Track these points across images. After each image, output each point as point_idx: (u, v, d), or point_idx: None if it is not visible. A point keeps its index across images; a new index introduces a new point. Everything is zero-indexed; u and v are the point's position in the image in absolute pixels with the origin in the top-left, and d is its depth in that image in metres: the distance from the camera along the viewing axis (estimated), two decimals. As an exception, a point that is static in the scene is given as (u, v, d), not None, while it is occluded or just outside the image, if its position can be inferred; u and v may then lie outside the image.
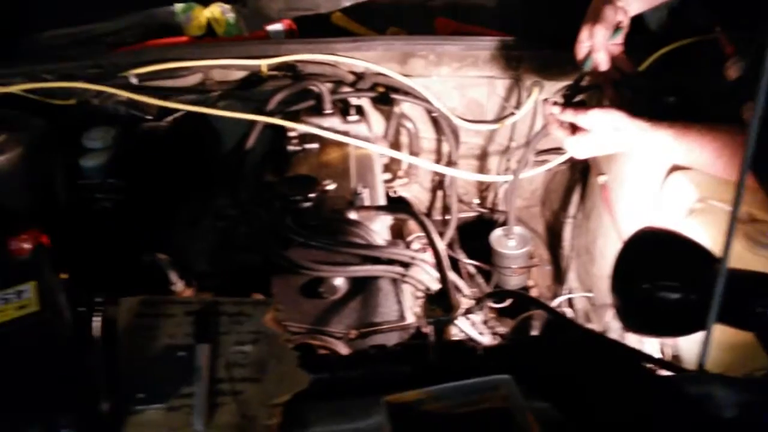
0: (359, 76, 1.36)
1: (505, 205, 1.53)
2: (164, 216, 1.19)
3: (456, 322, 0.91)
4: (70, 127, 1.22)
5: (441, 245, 0.91)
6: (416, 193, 1.63)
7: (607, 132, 1.03)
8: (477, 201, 1.65)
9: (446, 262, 0.87)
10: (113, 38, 1.34)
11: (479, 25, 1.41)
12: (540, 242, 1.61)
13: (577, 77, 1.23)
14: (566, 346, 0.73)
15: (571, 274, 1.43)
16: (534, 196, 1.67)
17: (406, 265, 0.95)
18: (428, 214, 1.65)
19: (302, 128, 1.19)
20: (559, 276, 1.50)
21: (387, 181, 1.50)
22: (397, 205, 1.05)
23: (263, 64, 1.30)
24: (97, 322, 0.69)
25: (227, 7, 1.35)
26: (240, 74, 1.34)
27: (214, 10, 1.35)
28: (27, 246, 0.83)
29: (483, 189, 1.64)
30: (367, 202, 1.04)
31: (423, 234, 1.40)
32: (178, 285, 0.95)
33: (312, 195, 1.00)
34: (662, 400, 0.69)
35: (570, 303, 1.37)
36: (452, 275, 0.98)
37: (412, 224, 1.45)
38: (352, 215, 0.99)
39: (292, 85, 1.28)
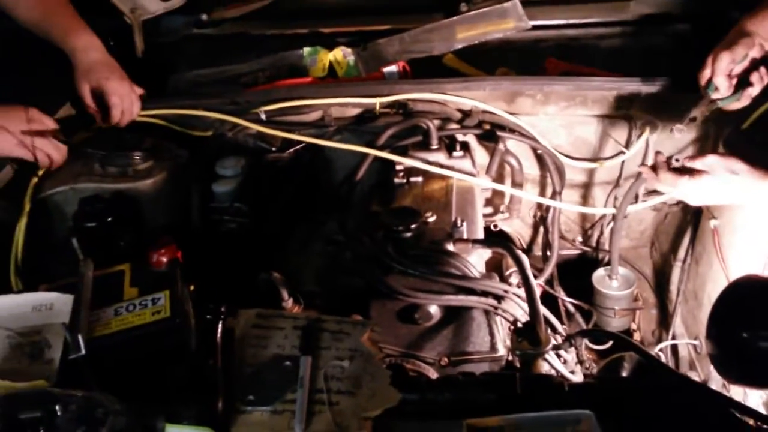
0: (466, 114, 1.42)
1: (609, 243, 1.50)
2: (281, 239, 1.31)
3: (546, 357, 0.92)
4: (206, 156, 1.38)
5: (533, 280, 0.93)
6: (517, 228, 1.64)
7: (723, 178, 1.02)
8: (580, 239, 1.63)
9: (537, 297, 0.90)
10: (248, 78, 1.50)
11: (591, 67, 1.42)
12: (647, 285, 1.56)
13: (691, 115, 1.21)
14: (656, 389, 0.73)
15: (677, 320, 1.38)
16: (643, 237, 1.63)
17: (499, 298, 0.98)
18: (529, 250, 1.66)
19: (407, 162, 1.27)
20: (664, 321, 1.44)
21: (488, 215, 1.53)
22: (493, 239, 1.08)
23: (377, 102, 1.40)
24: (219, 329, 0.79)
25: (348, 50, 1.47)
26: (356, 111, 1.44)
27: (336, 54, 1.47)
28: (164, 259, 0.96)
29: (587, 227, 1.62)
30: (465, 235, 1.09)
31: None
32: (288, 302, 1.04)
33: (413, 226, 1.07)
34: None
35: (674, 350, 1.32)
36: (544, 311, 1.00)
37: (509, 260, 1.47)
38: (450, 247, 1.04)
39: (402, 121, 1.37)
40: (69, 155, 1.24)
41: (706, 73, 1.15)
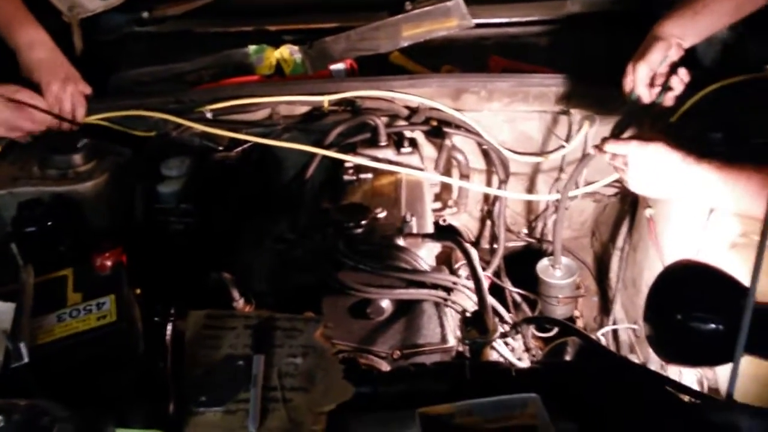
0: (414, 111, 1.44)
1: (552, 234, 1.56)
2: (230, 238, 1.30)
3: (495, 345, 0.95)
4: (150, 156, 1.36)
5: (481, 272, 0.96)
6: (465, 222, 1.68)
7: (648, 164, 1.06)
8: (525, 231, 1.68)
9: (485, 288, 0.92)
10: (192, 77, 1.47)
11: (531, 63, 1.47)
12: (588, 273, 1.62)
13: (625, 110, 1.27)
14: (596, 371, 0.77)
15: (617, 306, 1.44)
16: (584, 227, 1.69)
17: (448, 290, 1.00)
18: (477, 243, 1.69)
19: (355, 160, 1.28)
20: (605, 307, 1.51)
21: (437, 210, 1.56)
22: (442, 233, 1.11)
23: (325, 99, 1.40)
24: (168, 331, 0.78)
25: (295, 48, 1.47)
26: (304, 109, 1.44)
27: (283, 52, 1.46)
28: (109, 263, 0.94)
29: (532, 219, 1.67)
30: (414, 230, 1.11)
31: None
32: (239, 302, 1.04)
33: (363, 222, 1.08)
34: (687, 428, 0.72)
35: (615, 334, 1.38)
36: (492, 301, 1.03)
37: (458, 252, 1.50)
38: (400, 242, 1.06)
39: (350, 119, 1.37)
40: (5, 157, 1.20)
41: (628, 83, 1.20)
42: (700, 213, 1.13)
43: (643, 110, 1.23)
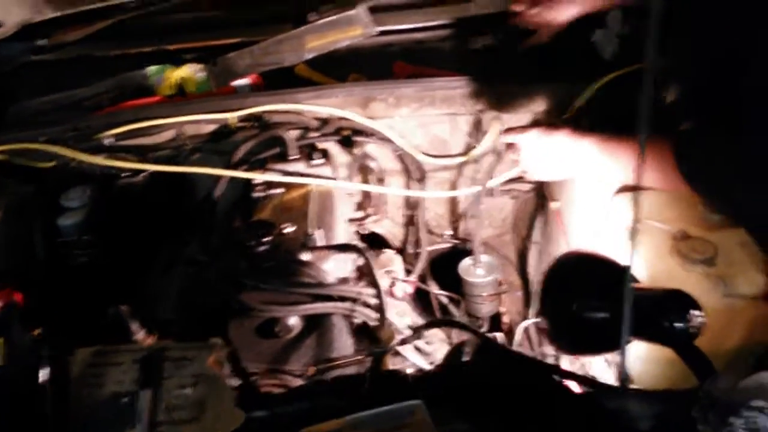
0: (324, 122, 1.43)
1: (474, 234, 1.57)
2: (138, 266, 1.25)
3: (405, 351, 0.95)
4: (48, 189, 1.30)
5: (378, 278, 0.95)
6: (390, 229, 1.68)
7: (534, 149, 1.09)
8: (449, 232, 1.69)
9: (383, 295, 0.92)
10: (91, 102, 1.43)
11: (437, 67, 1.48)
12: (512, 269, 1.64)
13: None
14: (490, 369, 0.77)
15: (536, 299, 1.46)
16: (505, 224, 1.71)
17: (354, 300, 0.99)
18: (403, 249, 1.69)
19: (258, 177, 1.26)
20: (528, 301, 1.52)
21: (359, 219, 1.56)
22: (344, 243, 1.10)
23: (231, 117, 1.38)
24: (45, 373, 0.74)
25: (198, 66, 1.44)
26: (211, 128, 1.41)
27: (185, 71, 1.43)
28: (-1, 304, 0.90)
29: (454, 220, 1.68)
30: (321, 243, 1.09)
31: (392, 268, 1.47)
32: (139, 334, 1.00)
33: (267, 239, 1.06)
34: (579, 417, 0.72)
35: (537, 327, 1.40)
36: (401, 306, 1.02)
37: (382, 260, 1.50)
38: (305, 256, 1.04)
39: (257, 134, 1.35)
40: None
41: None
42: (601, 201, 1.15)
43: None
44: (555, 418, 0.73)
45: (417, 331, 0.95)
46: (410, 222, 1.66)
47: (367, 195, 1.58)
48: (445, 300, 1.56)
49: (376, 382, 0.78)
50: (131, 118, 1.35)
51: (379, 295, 0.92)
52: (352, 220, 1.53)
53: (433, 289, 1.54)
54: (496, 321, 1.53)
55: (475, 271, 1.49)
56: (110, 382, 0.78)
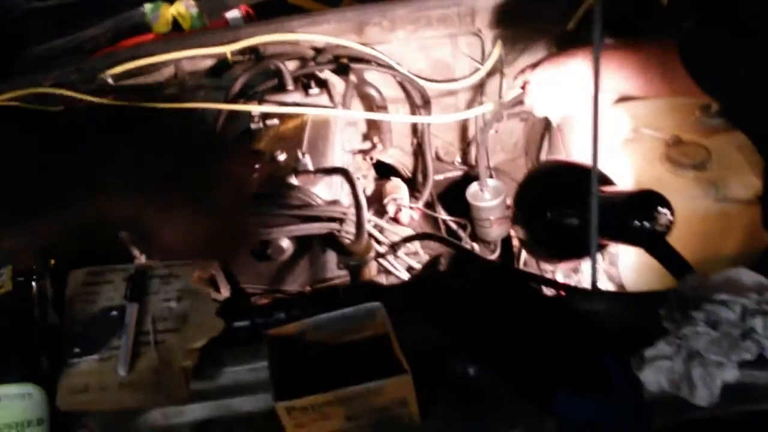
0: (320, 51, 1.41)
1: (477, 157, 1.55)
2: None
3: (390, 265, 0.97)
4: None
5: (362, 196, 0.96)
6: (399, 158, 1.67)
7: (545, 87, 1.06)
8: (459, 160, 1.67)
9: (364, 213, 0.93)
10: (92, 44, 1.45)
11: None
12: (524, 193, 1.62)
13: None
14: (464, 278, 0.78)
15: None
16: (517, 148, 1.68)
17: (340, 220, 1.01)
18: (414, 177, 1.69)
19: (255, 108, 1.27)
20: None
21: (367, 150, 1.56)
22: (332, 167, 1.10)
23: (227, 50, 1.38)
24: (34, 287, 0.79)
25: (190, 2, 1.44)
26: (209, 63, 1.42)
27: (178, 7, 1.44)
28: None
29: (464, 146, 1.66)
30: (309, 167, 1.10)
31: (398, 195, 1.48)
32: (141, 258, 1.05)
33: (256, 166, 1.08)
34: (551, 319, 0.73)
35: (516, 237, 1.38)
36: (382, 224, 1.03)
37: (388, 187, 1.50)
38: (293, 180, 1.06)
39: (252, 67, 1.36)
40: None
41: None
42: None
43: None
44: (524, 321, 0.73)
45: (395, 245, 0.96)
46: (419, 150, 1.65)
47: (372, 125, 1.57)
48: (453, 225, 1.56)
49: (349, 293, 0.80)
50: (130, 56, 1.36)
51: (358, 212, 0.93)
52: (358, 151, 1.54)
53: (441, 214, 1.55)
54: (507, 244, 1.53)
55: (482, 195, 1.48)
56: (102, 298, 0.83)
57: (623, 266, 0.99)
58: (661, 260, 0.73)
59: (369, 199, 1.53)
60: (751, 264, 0.89)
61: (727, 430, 0.66)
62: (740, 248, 0.93)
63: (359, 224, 0.91)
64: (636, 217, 0.72)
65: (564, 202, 0.80)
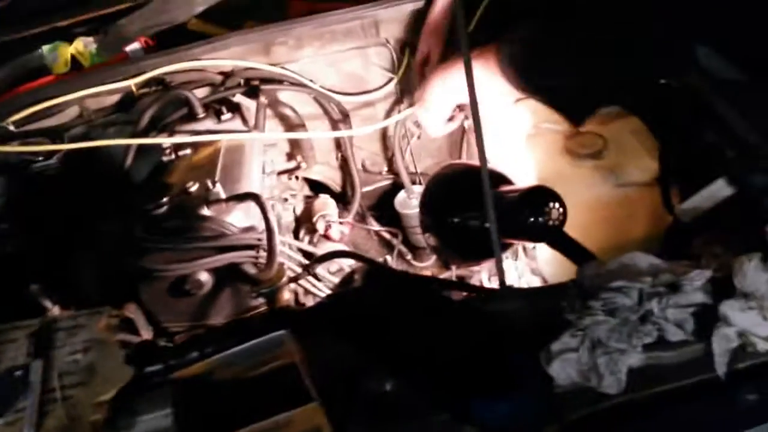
0: (229, 75, 1.40)
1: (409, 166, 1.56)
2: (60, 248, 1.25)
3: (311, 285, 0.96)
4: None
5: (272, 218, 0.95)
6: (328, 175, 1.67)
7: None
8: (386, 169, 1.68)
9: (274, 236, 0.92)
10: (-13, 92, 1.39)
11: (332, 1, 1.44)
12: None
13: None
14: (374, 291, 0.78)
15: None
16: (441, 152, 1.69)
17: (256, 247, 0.99)
18: (344, 192, 1.69)
19: (161, 141, 1.24)
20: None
21: (292, 170, 1.55)
22: (242, 193, 1.09)
23: (132, 83, 1.35)
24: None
25: (89, 39, 1.40)
26: (114, 98, 1.39)
27: (77, 45, 1.39)
28: None
29: (389, 156, 1.67)
30: (222, 196, 1.08)
31: (326, 212, 1.47)
32: (54, 310, 1.01)
33: (164, 200, 1.05)
34: (460, 322, 0.73)
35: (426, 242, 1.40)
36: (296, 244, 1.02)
37: (316, 205, 1.49)
38: (205, 211, 1.04)
39: (158, 98, 1.33)
40: None
41: None
42: (501, 111, 1.14)
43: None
44: (436, 329, 0.73)
45: (308, 267, 0.95)
46: (345, 164, 1.64)
47: (294, 144, 1.56)
48: (387, 235, 1.57)
49: (264, 321, 0.78)
50: (30, 100, 1.32)
51: (269, 237, 0.92)
52: (282, 172, 1.52)
53: (372, 225, 1.55)
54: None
55: (410, 202, 1.49)
56: (5, 359, 0.79)
57: (540, 260, 1.01)
58: (562, 252, 0.75)
59: (299, 218, 1.52)
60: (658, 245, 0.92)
61: (639, 414, 0.67)
62: (647, 231, 0.96)
63: (270, 250, 0.90)
64: (529, 214, 0.73)
65: (466, 204, 0.81)
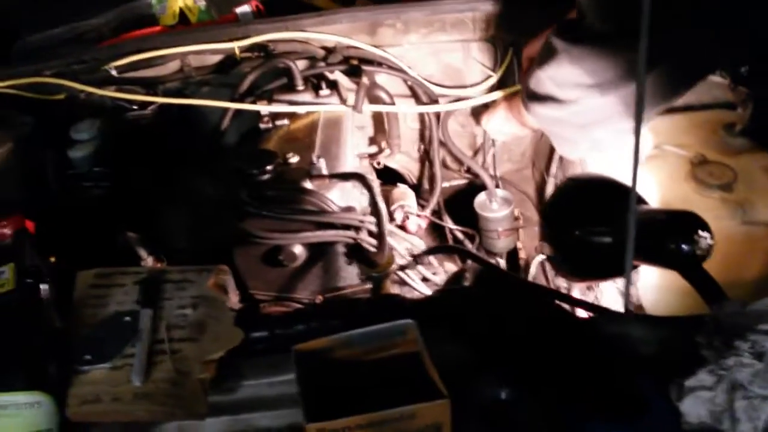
0: (330, 51, 1.38)
1: (489, 168, 1.53)
2: (149, 198, 1.26)
3: (405, 276, 0.94)
4: (60, 121, 1.30)
5: (382, 204, 0.93)
6: (405, 164, 1.64)
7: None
8: (465, 167, 1.65)
9: (384, 222, 0.90)
10: (95, 34, 1.40)
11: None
12: (530, 204, 1.60)
13: None
14: (491, 293, 0.75)
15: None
16: (524, 159, 1.66)
17: (357, 228, 0.98)
18: (419, 184, 1.67)
19: (263, 108, 1.23)
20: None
21: (373, 155, 1.53)
22: (349, 173, 1.07)
23: (236, 46, 1.34)
24: (42, 291, 0.75)
25: (199, -6, 1.40)
26: (216, 58, 1.38)
27: (187, 0, 1.40)
28: (7, 231, 0.91)
29: (472, 155, 1.64)
30: (324, 172, 1.07)
31: (406, 203, 1.45)
32: (148, 260, 1.01)
33: (269, 168, 1.05)
34: (580, 342, 0.71)
35: (542, 253, 1.37)
36: (399, 234, 1.00)
37: (395, 194, 1.48)
38: (307, 185, 1.03)
39: (261, 65, 1.32)
40: None
41: None
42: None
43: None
44: (555, 343, 0.71)
45: (417, 257, 0.94)
46: (426, 157, 1.62)
47: (379, 129, 1.54)
48: (460, 235, 1.54)
49: (372, 305, 0.77)
50: (135, 48, 1.32)
51: (379, 222, 0.90)
52: (366, 156, 1.51)
53: (448, 224, 1.52)
54: (513, 256, 1.51)
55: (490, 205, 1.46)
56: (112, 302, 0.79)
57: (643, 286, 0.98)
58: (695, 285, 0.71)
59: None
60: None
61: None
62: (763, 272, 0.92)
63: (381, 234, 0.88)
64: (675, 239, 0.70)
65: (595, 219, 0.78)
